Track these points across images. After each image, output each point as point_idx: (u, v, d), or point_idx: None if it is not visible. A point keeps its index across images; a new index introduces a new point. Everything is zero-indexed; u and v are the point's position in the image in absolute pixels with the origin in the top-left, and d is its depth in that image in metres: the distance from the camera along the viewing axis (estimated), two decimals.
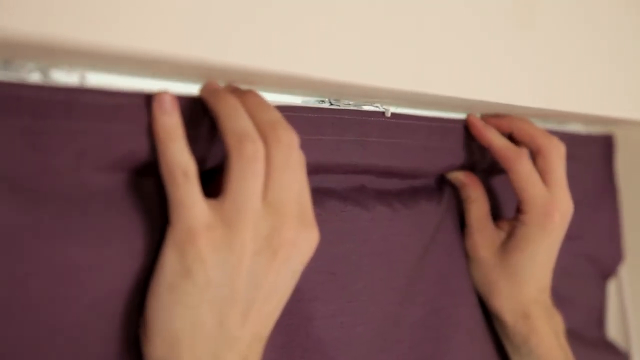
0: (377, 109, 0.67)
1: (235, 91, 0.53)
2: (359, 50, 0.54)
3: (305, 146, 0.57)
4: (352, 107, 0.65)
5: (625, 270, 1.05)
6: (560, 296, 0.89)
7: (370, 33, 0.54)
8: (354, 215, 0.66)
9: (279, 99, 0.59)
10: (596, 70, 0.79)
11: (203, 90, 0.52)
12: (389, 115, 0.67)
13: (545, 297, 0.78)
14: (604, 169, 1.00)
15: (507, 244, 0.76)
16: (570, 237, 0.88)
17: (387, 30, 0.56)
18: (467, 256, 0.79)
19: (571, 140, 0.88)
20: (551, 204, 0.74)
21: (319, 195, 0.63)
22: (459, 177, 0.78)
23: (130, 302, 0.51)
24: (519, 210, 0.75)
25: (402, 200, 0.72)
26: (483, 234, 0.77)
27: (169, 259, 0.49)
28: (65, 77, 0.47)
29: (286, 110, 0.58)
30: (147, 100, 0.50)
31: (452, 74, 0.61)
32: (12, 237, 0.45)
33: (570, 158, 0.88)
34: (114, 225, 0.50)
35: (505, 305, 0.77)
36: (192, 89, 0.53)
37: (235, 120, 0.50)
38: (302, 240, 0.52)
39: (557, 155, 0.75)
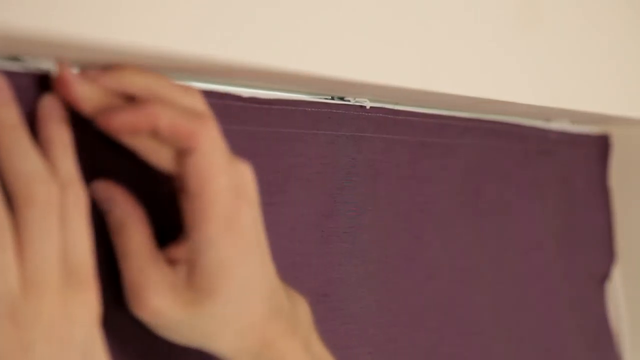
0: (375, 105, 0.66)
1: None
2: (365, 48, 0.54)
3: (301, 140, 0.57)
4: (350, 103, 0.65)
5: (618, 273, 1.05)
6: (558, 300, 0.88)
7: (377, 32, 0.55)
8: (355, 236, 0.66)
9: (285, 97, 0.60)
10: (600, 68, 0.79)
11: None
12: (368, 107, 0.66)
13: (279, 297, 0.53)
14: (599, 169, 1.00)
15: (193, 272, 0.48)
16: (563, 238, 0.87)
17: (393, 28, 0.56)
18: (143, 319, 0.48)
19: (567, 140, 0.88)
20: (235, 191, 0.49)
21: (323, 215, 0.63)
22: (102, 189, 0.49)
23: None
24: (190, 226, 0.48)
25: None
26: (156, 271, 0.48)
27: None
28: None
29: (284, 104, 0.58)
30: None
31: (456, 72, 0.62)
32: None
33: (565, 157, 0.87)
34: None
35: (237, 347, 0.51)
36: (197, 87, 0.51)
37: (20, 163, 0.41)
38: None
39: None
